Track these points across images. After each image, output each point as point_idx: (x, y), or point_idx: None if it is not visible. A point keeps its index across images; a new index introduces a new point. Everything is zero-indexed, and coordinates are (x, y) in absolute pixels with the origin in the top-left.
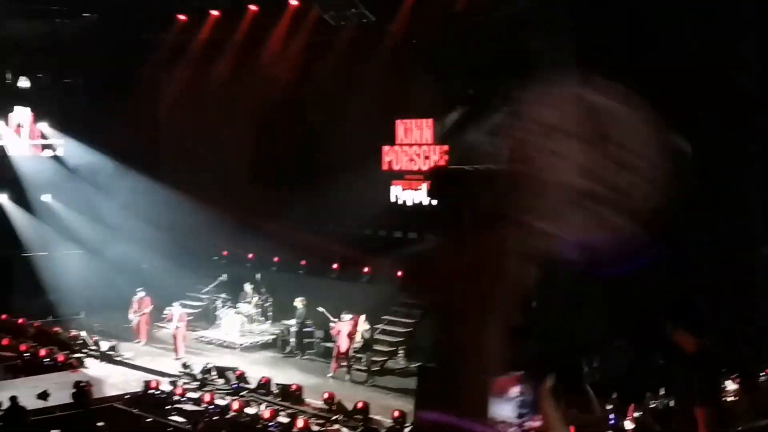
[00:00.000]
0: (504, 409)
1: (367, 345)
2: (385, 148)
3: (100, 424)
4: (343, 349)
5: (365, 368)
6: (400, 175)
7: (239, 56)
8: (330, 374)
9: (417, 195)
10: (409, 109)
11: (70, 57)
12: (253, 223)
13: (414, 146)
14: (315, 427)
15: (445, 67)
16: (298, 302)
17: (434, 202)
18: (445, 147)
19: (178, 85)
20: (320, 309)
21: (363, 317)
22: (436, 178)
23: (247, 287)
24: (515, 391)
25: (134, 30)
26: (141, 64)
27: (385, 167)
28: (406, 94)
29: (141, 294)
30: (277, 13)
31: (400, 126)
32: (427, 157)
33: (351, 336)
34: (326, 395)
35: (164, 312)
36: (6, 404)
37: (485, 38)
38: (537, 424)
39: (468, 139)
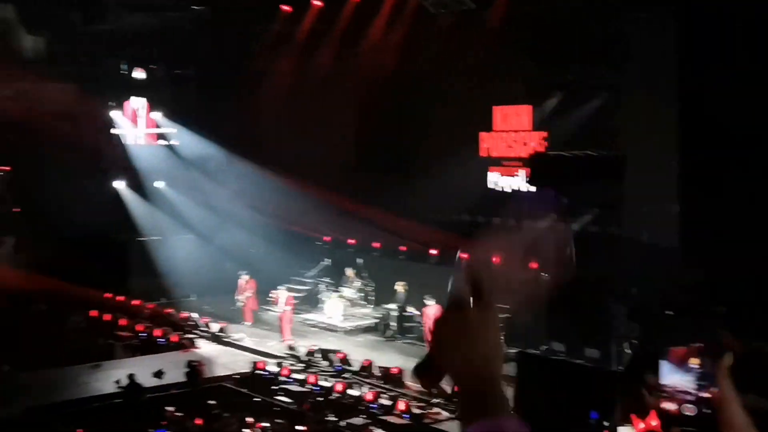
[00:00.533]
0: (681, 379)
1: None
2: (483, 135)
3: (210, 402)
4: (428, 333)
5: None
6: (497, 162)
7: (341, 45)
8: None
9: (514, 181)
10: (507, 96)
11: (182, 49)
12: (354, 209)
13: (512, 132)
14: (416, 410)
15: (544, 53)
16: (399, 287)
17: (532, 188)
18: (544, 133)
19: (283, 75)
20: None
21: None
22: (535, 164)
23: (349, 272)
24: (695, 362)
25: (242, 22)
26: (248, 54)
27: (482, 153)
28: (504, 81)
29: (245, 277)
30: (378, 1)
31: (498, 112)
32: (525, 144)
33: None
34: None
35: (270, 295)
36: (125, 381)
37: (584, 24)
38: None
39: (567, 125)
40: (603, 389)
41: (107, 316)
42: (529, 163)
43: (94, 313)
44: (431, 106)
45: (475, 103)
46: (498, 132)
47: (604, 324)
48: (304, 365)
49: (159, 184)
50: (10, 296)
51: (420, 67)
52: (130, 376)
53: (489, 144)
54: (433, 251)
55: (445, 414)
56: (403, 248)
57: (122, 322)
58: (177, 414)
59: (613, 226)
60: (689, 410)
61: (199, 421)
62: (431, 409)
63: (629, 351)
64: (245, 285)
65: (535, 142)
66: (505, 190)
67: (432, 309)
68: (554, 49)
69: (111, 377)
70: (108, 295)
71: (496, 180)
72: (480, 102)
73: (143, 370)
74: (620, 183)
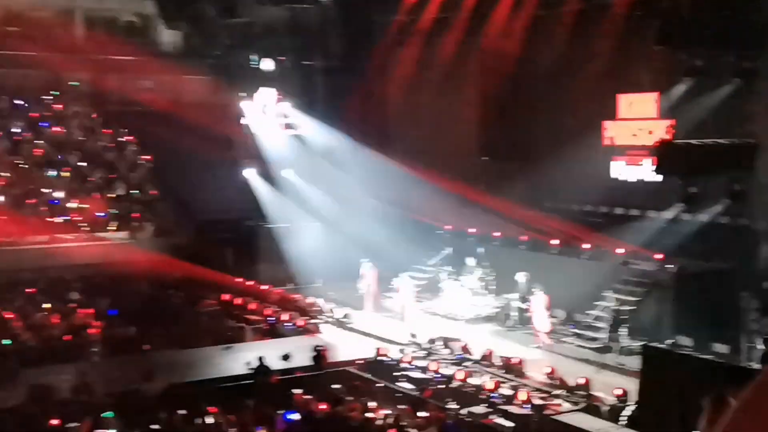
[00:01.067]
0: None
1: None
2: (607, 123)
3: (335, 386)
4: (535, 322)
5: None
6: (621, 151)
7: (464, 33)
8: (535, 345)
9: (639, 171)
10: (632, 83)
11: (309, 40)
12: (476, 198)
13: (637, 121)
14: (537, 401)
15: (671, 40)
16: (520, 276)
17: (659, 178)
18: (671, 121)
19: (407, 64)
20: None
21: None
22: (662, 153)
23: (470, 261)
24: None
25: (367, 12)
26: (373, 44)
27: (606, 142)
28: (629, 68)
29: (367, 265)
30: None
31: (623, 100)
32: (650, 132)
33: (544, 310)
34: (548, 369)
35: (392, 283)
36: (254, 363)
37: (714, 9)
38: None
39: (695, 112)
40: (733, 385)
41: (238, 301)
42: (655, 152)
43: (226, 297)
44: (555, 95)
45: (599, 91)
46: (623, 120)
47: (734, 318)
48: (425, 353)
49: (287, 173)
50: (151, 280)
51: (544, 55)
52: (260, 359)
53: (613, 132)
54: (555, 241)
55: (566, 405)
56: (524, 238)
57: (252, 306)
58: (303, 397)
59: (744, 217)
60: None
61: (323, 405)
62: (553, 401)
63: (762, 347)
64: (367, 273)
65: (662, 131)
66: (629, 180)
67: (539, 298)
68: (683, 34)
69: (241, 359)
70: (239, 280)
71: (620, 169)
72: (604, 90)
73: (271, 353)
74: (751, 172)
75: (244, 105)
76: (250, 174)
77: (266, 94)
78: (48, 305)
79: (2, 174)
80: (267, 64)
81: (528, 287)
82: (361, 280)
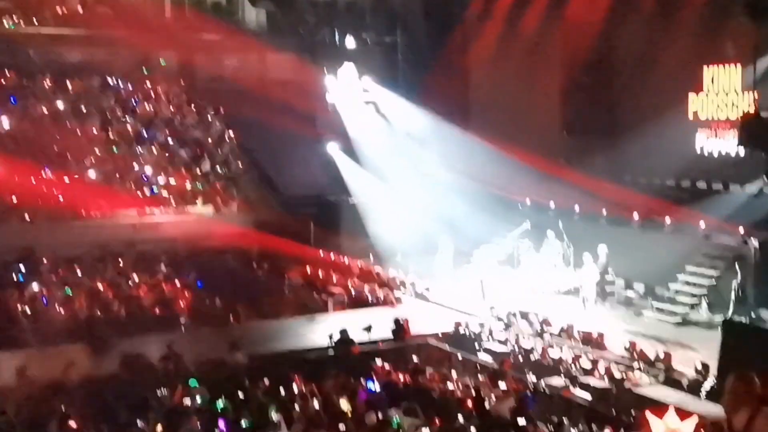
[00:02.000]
0: None
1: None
2: (692, 96)
3: (415, 357)
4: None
5: None
6: (706, 124)
7: (547, 6)
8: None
9: (724, 144)
10: (718, 55)
11: (390, 17)
12: (557, 172)
13: (722, 94)
14: (617, 374)
15: (759, 9)
16: (600, 250)
17: (742, 151)
18: (756, 94)
19: (489, 38)
20: None
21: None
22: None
23: (550, 234)
24: None
25: None
26: (455, 20)
27: (690, 116)
28: (715, 40)
29: (444, 239)
30: None
31: (708, 73)
32: (735, 105)
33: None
34: (628, 343)
35: (472, 256)
36: (337, 335)
37: None
38: None
39: None
40: None
41: (322, 273)
42: (739, 125)
43: (309, 269)
44: (639, 68)
45: (684, 64)
46: (708, 93)
47: None
48: (504, 325)
49: (368, 147)
50: (236, 254)
51: (628, 27)
52: (342, 332)
53: (698, 106)
54: (636, 215)
55: (646, 379)
56: (604, 212)
57: (334, 279)
58: (384, 367)
59: None
60: None
61: (405, 376)
62: (632, 374)
63: None
64: (444, 247)
65: (747, 104)
66: (713, 153)
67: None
68: None
69: (324, 330)
70: (322, 253)
71: (703, 143)
72: (690, 62)
73: (353, 324)
74: None
75: (328, 81)
76: (333, 149)
77: (349, 71)
78: (137, 278)
79: (94, 150)
80: (350, 42)
81: (608, 261)
82: (439, 254)
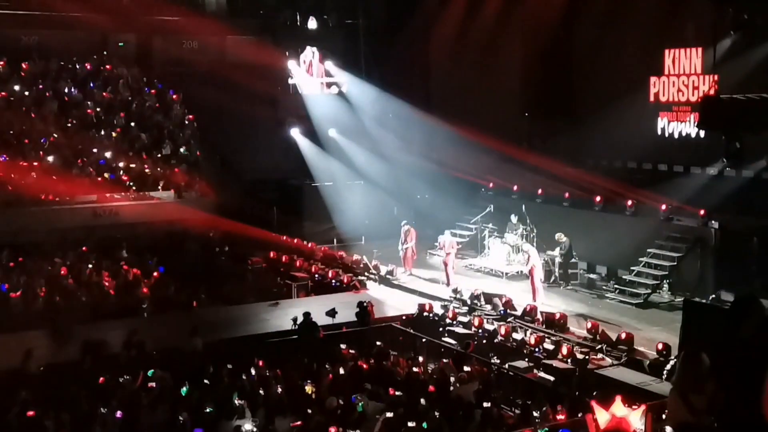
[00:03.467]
0: None
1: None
2: (653, 79)
3: (379, 341)
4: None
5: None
6: (667, 107)
7: None
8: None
9: (684, 127)
10: (678, 38)
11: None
12: (519, 155)
13: (682, 76)
14: (579, 355)
15: None
16: (562, 234)
17: (702, 134)
18: (716, 76)
19: (450, 22)
20: None
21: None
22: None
23: (513, 218)
24: None
25: None
26: (415, 4)
27: (651, 99)
28: (675, 23)
29: (407, 226)
30: None
31: (669, 56)
32: (696, 88)
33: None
34: (590, 325)
35: (437, 241)
36: (300, 319)
37: None
38: None
39: (741, 67)
40: None
41: (285, 258)
42: (699, 107)
43: (272, 254)
44: (600, 50)
45: (645, 46)
46: (668, 76)
47: None
48: (468, 308)
49: (332, 132)
50: (198, 239)
51: (589, 10)
52: (306, 314)
53: (659, 88)
54: (597, 198)
55: (608, 360)
56: (566, 195)
57: (298, 263)
58: (349, 351)
59: None
60: None
61: (368, 359)
62: (595, 355)
63: None
64: (406, 233)
65: (707, 86)
66: (674, 136)
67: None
68: None
69: (288, 315)
70: (284, 238)
71: (664, 126)
72: (650, 45)
73: (317, 308)
74: None
75: (289, 64)
76: (295, 133)
77: (310, 53)
78: (98, 263)
79: (52, 134)
80: (311, 23)
81: (570, 244)
82: (400, 240)
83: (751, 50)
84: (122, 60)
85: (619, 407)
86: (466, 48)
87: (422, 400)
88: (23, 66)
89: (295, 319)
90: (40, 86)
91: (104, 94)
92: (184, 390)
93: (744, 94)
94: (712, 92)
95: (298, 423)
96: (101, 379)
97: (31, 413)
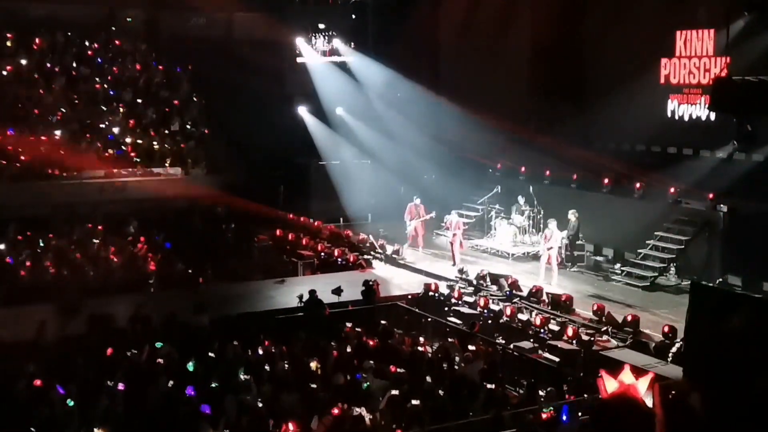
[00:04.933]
0: None
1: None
2: (663, 61)
3: (383, 322)
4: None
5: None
6: (678, 89)
7: None
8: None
9: (695, 110)
10: (689, 20)
11: None
12: (527, 136)
13: (694, 58)
14: (584, 337)
15: None
16: (570, 215)
17: (713, 116)
18: (727, 58)
19: (459, 2)
20: None
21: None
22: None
23: (520, 199)
24: None
25: None
26: None
27: (662, 81)
28: (687, 4)
29: (416, 201)
30: None
31: (680, 37)
32: (707, 70)
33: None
34: (596, 306)
35: (443, 221)
36: (306, 296)
37: None
38: None
39: (754, 49)
40: None
41: (291, 236)
42: (710, 89)
43: (279, 232)
44: (610, 31)
45: (656, 28)
46: (679, 58)
47: None
48: (474, 289)
49: (339, 110)
50: (204, 215)
51: None
52: (311, 292)
53: (669, 70)
54: (606, 180)
55: (613, 342)
56: (574, 177)
57: (304, 241)
58: (354, 329)
59: None
60: None
61: (374, 338)
62: (600, 337)
63: None
64: (414, 209)
65: (718, 68)
66: (684, 118)
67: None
68: None
69: (294, 292)
70: (292, 215)
71: (674, 108)
72: (661, 26)
73: (323, 286)
74: None
75: (297, 42)
76: (303, 111)
77: (318, 31)
78: (105, 239)
79: (59, 109)
80: (320, 1)
81: (578, 225)
82: (408, 216)
83: (765, 32)
84: (130, 35)
85: (627, 375)
86: (475, 28)
87: (428, 378)
88: (35, 41)
89: (300, 297)
90: (48, 60)
91: (113, 69)
92: (190, 365)
93: (756, 76)
94: (723, 74)
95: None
96: (108, 351)
97: (38, 384)
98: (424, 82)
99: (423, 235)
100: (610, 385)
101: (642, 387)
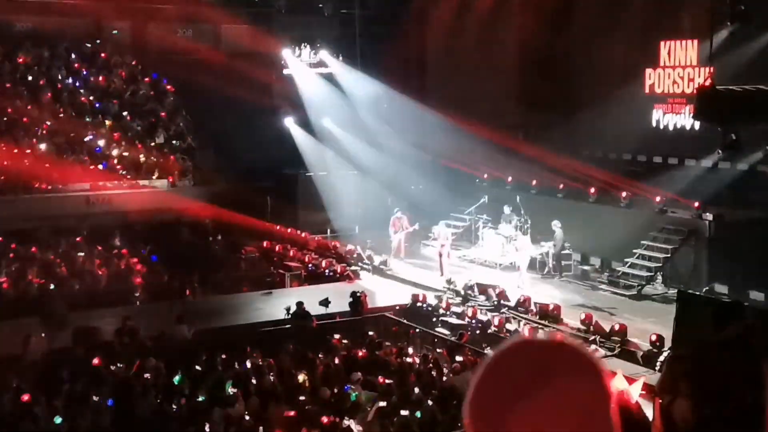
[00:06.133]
0: None
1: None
2: (648, 71)
3: (371, 333)
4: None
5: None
6: (662, 99)
7: None
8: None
9: (680, 119)
10: (674, 30)
11: None
12: (514, 146)
13: (678, 68)
14: None
15: None
16: (554, 226)
17: (697, 126)
18: (711, 69)
19: (446, 11)
20: None
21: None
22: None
23: (507, 209)
24: None
25: None
26: None
27: (646, 90)
28: (671, 14)
29: (398, 214)
30: None
31: (664, 47)
32: (691, 80)
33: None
34: (584, 316)
35: (431, 231)
36: (293, 308)
37: None
38: None
39: (738, 59)
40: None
41: (278, 247)
42: (695, 99)
43: (266, 244)
44: (596, 42)
45: (641, 38)
46: (664, 68)
47: None
48: (461, 299)
49: (326, 121)
50: (191, 228)
51: (585, 1)
52: (299, 304)
53: (654, 80)
54: (592, 190)
55: (601, 351)
56: (561, 186)
57: (292, 253)
58: (342, 341)
59: None
60: None
61: (362, 349)
62: (589, 346)
63: None
64: (398, 221)
65: (702, 78)
66: (669, 128)
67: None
68: None
69: (281, 304)
70: (279, 227)
71: (659, 118)
72: (646, 37)
73: (310, 298)
74: None
75: (284, 53)
76: (289, 122)
77: (305, 43)
78: (91, 251)
79: (45, 122)
80: (307, 13)
81: (563, 235)
82: (392, 228)
83: (748, 42)
84: (116, 47)
85: (620, 381)
86: (462, 38)
87: (416, 390)
88: (19, 56)
89: (288, 309)
90: (34, 73)
91: (98, 81)
92: (177, 378)
93: (740, 85)
94: (709, 84)
95: (292, 413)
96: (95, 363)
97: (24, 399)
98: (411, 93)
99: (406, 246)
100: None
101: (635, 392)
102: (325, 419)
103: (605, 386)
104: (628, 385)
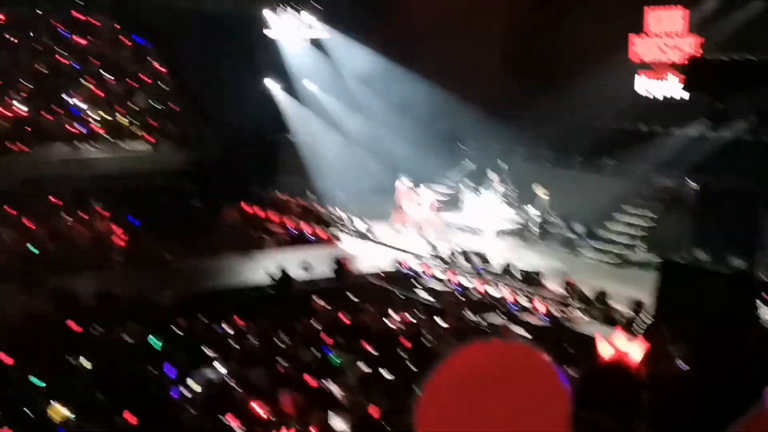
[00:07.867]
0: None
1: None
2: (634, 38)
3: (355, 297)
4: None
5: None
6: (648, 67)
7: None
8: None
9: (665, 87)
10: None
11: None
12: (498, 113)
13: (665, 36)
14: (555, 313)
15: None
16: (540, 191)
17: (685, 95)
18: (699, 37)
19: None
20: None
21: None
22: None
23: (492, 175)
24: None
25: None
26: None
27: (632, 57)
28: None
29: (403, 180)
30: None
31: (651, 14)
32: (677, 48)
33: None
34: (567, 282)
35: (414, 195)
36: (276, 273)
37: None
38: None
39: (726, 28)
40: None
41: (260, 211)
42: (685, 68)
43: (247, 207)
44: (581, 9)
45: (627, 6)
46: (650, 35)
47: (752, 234)
48: (445, 264)
49: (309, 85)
50: (173, 191)
51: None
52: (283, 270)
53: (640, 48)
54: (578, 157)
55: (585, 318)
56: (547, 153)
57: (273, 217)
58: (325, 306)
59: None
60: None
61: (345, 314)
62: (572, 312)
63: None
64: (406, 191)
65: (690, 47)
66: (654, 96)
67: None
68: None
69: (262, 268)
70: (261, 191)
71: (645, 85)
72: (632, 4)
73: (292, 263)
74: None
75: (267, 15)
76: (273, 86)
77: (290, 5)
78: (70, 215)
79: (25, 84)
80: None
81: (548, 201)
82: (401, 198)
83: (735, 11)
84: (97, 8)
85: (619, 339)
86: (449, 4)
87: (399, 353)
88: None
89: (270, 274)
90: (12, 33)
91: (79, 43)
92: (156, 342)
93: (728, 54)
94: (698, 53)
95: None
96: (74, 329)
97: (4, 363)
98: (397, 58)
99: (405, 215)
100: (605, 350)
101: (635, 354)
102: (307, 383)
103: (560, 387)
104: (628, 343)
